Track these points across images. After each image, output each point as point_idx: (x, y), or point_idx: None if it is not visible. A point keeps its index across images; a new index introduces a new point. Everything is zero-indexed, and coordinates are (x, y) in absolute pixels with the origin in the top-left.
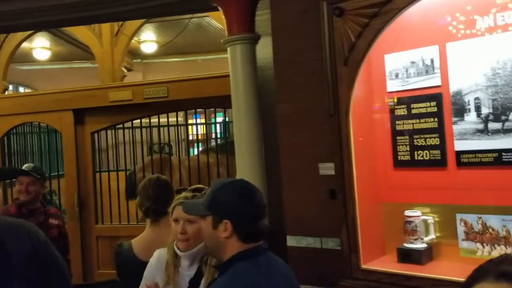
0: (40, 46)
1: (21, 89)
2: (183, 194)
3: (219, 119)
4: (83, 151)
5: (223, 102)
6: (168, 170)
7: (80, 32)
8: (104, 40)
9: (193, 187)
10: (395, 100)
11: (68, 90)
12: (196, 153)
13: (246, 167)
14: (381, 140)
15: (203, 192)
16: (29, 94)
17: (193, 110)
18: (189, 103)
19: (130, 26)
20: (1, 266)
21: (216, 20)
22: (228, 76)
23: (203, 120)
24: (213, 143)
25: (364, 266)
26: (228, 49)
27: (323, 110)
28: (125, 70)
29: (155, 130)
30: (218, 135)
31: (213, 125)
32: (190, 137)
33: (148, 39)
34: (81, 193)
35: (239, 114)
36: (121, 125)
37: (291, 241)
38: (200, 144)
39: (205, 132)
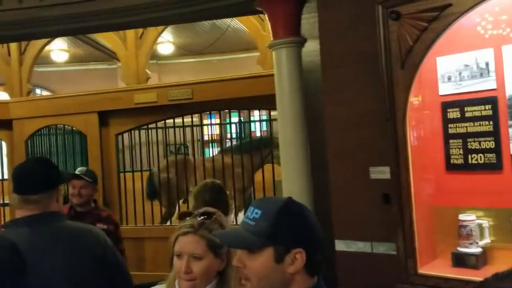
0: (58, 48)
1: (38, 91)
2: (188, 221)
3: (234, 119)
4: (108, 152)
5: (247, 103)
6: (189, 171)
7: (105, 35)
8: (129, 42)
9: (201, 210)
10: (448, 103)
11: (93, 92)
12: (211, 154)
13: (292, 171)
14: (433, 144)
15: (214, 217)
16: (54, 96)
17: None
18: (213, 104)
19: (154, 28)
20: (80, 267)
21: (241, 22)
22: (252, 77)
23: (218, 121)
24: (228, 143)
25: (420, 271)
26: (273, 53)
27: (375, 113)
28: (149, 72)
29: (171, 131)
30: (234, 136)
31: (228, 126)
32: (205, 138)
33: (165, 40)
34: (106, 194)
35: (285, 118)
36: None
37: (340, 245)
38: (215, 144)
39: (222, 132)
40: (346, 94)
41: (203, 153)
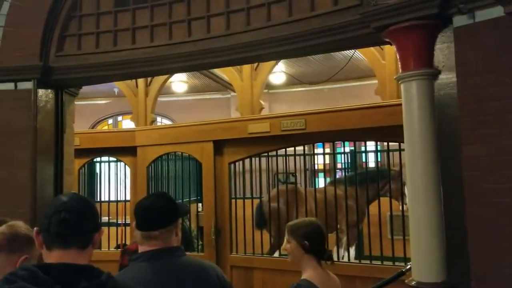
0: (179, 80)
1: (159, 119)
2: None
3: (345, 148)
4: (221, 180)
5: (363, 134)
6: (297, 201)
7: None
8: (245, 74)
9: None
10: None
11: (209, 122)
12: (320, 183)
13: (421, 213)
14: None
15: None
16: (174, 126)
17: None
18: (327, 135)
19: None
20: None
21: (359, 51)
22: (369, 108)
23: (328, 150)
24: (338, 173)
25: None
26: (402, 85)
27: None
28: (263, 103)
29: (280, 159)
30: (344, 166)
31: (338, 155)
32: (315, 167)
33: (278, 70)
34: (218, 221)
35: (414, 156)
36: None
37: None
38: (324, 174)
39: (330, 162)
40: (487, 131)
41: (314, 183)
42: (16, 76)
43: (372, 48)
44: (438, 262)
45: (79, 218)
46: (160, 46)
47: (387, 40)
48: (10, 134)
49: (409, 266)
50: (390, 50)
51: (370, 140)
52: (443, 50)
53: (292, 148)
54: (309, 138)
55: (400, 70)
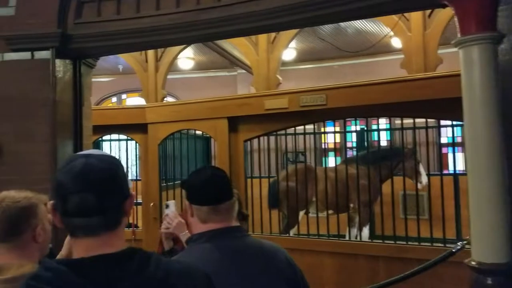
0: (185, 56)
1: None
2: None
3: (355, 127)
4: (236, 158)
5: (387, 110)
6: (311, 181)
7: (236, 40)
8: (261, 48)
9: None
10: None
11: (223, 98)
12: (329, 162)
13: (483, 188)
14: None
15: None
16: (186, 102)
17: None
18: (349, 111)
19: (287, 33)
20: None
21: (382, 21)
22: (396, 82)
23: (337, 128)
24: (348, 152)
25: None
26: (461, 51)
27: None
28: (280, 78)
29: (289, 138)
30: (354, 144)
31: (348, 134)
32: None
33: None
34: None
35: (475, 129)
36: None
37: None
38: (334, 153)
39: (340, 141)
40: None
41: (323, 162)
42: (33, 44)
43: (398, 20)
44: (502, 242)
45: (103, 191)
46: (186, 12)
47: (445, 2)
48: (28, 107)
49: (460, 246)
50: (417, 21)
51: (395, 116)
52: (504, 11)
53: (301, 127)
54: (330, 114)
55: (459, 34)
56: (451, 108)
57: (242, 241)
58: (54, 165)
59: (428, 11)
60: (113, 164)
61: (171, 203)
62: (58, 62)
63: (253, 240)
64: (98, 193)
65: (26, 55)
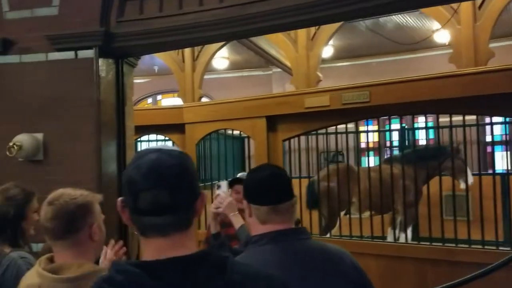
0: (220, 56)
1: None
2: None
3: (394, 125)
4: (275, 158)
5: (435, 107)
6: (352, 181)
7: (274, 38)
8: (300, 44)
9: None
10: None
11: (262, 97)
12: (367, 162)
13: None
14: None
15: None
16: (223, 101)
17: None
18: (394, 108)
19: (327, 29)
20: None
21: (431, 14)
22: (444, 77)
23: (375, 127)
24: (387, 152)
25: None
26: None
27: None
28: (320, 75)
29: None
30: (394, 144)
31: (387, 133)
32: (362, 145)
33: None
34: None
35: None
36: None
37: None
38: (373, 153)
39: (379, 140)
40: None
41: (360, 162)
42: (76, 43)
43: (446, 12)
44: None
45: (175, 187)
46: (231, 7)
47: None
48: (72, 107)
49: None
50: (467, 13)
51: (443, 113)
52: None
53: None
54: (374, 112)
55: None
56: (504, 104)
57: (305, 244)
58: (98, 165)
59: (478, 2)
60: (184, 160)
61: (223, 183)
62: (101, 61)
63: (316, 243)
64: (170, 189)
65: (70, 54)
